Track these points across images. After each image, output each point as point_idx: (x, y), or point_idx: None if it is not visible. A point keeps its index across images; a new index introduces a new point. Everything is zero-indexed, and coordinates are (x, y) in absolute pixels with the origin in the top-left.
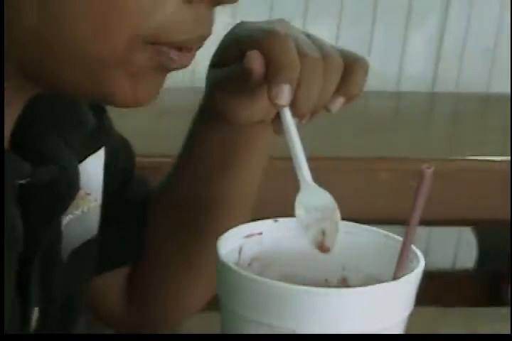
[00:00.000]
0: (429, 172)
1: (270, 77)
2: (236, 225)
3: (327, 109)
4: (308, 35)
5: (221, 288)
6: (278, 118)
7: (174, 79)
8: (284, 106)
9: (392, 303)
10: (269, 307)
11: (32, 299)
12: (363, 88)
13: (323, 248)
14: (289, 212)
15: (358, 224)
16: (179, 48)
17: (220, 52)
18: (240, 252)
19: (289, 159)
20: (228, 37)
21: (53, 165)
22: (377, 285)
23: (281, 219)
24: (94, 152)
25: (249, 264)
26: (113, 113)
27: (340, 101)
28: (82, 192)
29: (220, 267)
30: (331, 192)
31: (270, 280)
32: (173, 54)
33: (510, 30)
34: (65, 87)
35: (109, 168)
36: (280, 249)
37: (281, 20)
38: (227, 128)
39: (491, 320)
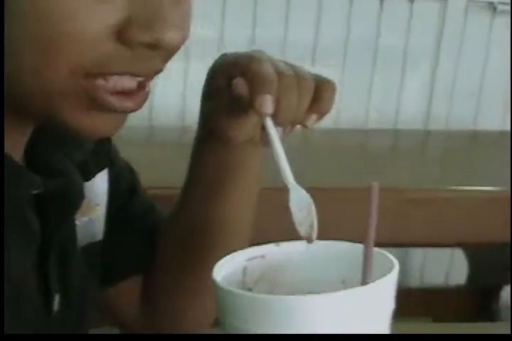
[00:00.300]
0: (375, 184)
1: (254, 91)
2: (235, 244)
3: (304, 125)
4: (285, 62)
5: (217, 304)
6: (264, 132)
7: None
8: (268, 114)
9: (365, 306)
10: (253, 316)
11: (52, 287)
12: (332, 106)
13: (310, 240)
14: (289, 238)
15: (353, 244)
16: (121, 93)
17: (209, 83)
18: (244, 273)
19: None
20: (214, 68)
21: (61, 177)
22: (348, 290)
23: (282, 243)
24: (99, 171)
25: (256, 284)
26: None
27: (313, 117)
28: (92, 204)
29: (216, 289)
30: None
31: (252, 294)
32: (113, 100)
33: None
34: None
35: (115, 185)
36: (284, 270)
37: (259, 50)
38: (220, 149)
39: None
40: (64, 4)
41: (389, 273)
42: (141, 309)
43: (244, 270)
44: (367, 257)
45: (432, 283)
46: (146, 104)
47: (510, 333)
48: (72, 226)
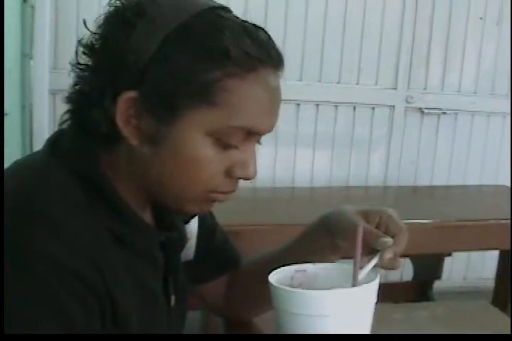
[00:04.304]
0: (360, 227)
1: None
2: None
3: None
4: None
5: (272, 297)
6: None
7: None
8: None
9: (354, 299)
10: (293, 302)
11: (170, 291)
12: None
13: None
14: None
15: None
16: (224, 193)
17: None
18: (291, 279)
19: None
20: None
21: (175, 231)
22: (343, 289)
23: (316, 264)
24: (193, 217)
25: (298, 286)
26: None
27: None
28: (188, 237)
29: (269, 286)
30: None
31: (290, 288)
32: (219, 197)
33: None
34: (165, 203)
35: (202, 224)
36: (318, 279)
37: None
38: (328, 247)
39: (421, 309)
40: (200, 154)
41: (372, 281)
42: (224, 298)
43: (292, 278)
44: (355, 271)
45: (393, 279)
46: None
47: (510, 333)
48: (179, 256)
